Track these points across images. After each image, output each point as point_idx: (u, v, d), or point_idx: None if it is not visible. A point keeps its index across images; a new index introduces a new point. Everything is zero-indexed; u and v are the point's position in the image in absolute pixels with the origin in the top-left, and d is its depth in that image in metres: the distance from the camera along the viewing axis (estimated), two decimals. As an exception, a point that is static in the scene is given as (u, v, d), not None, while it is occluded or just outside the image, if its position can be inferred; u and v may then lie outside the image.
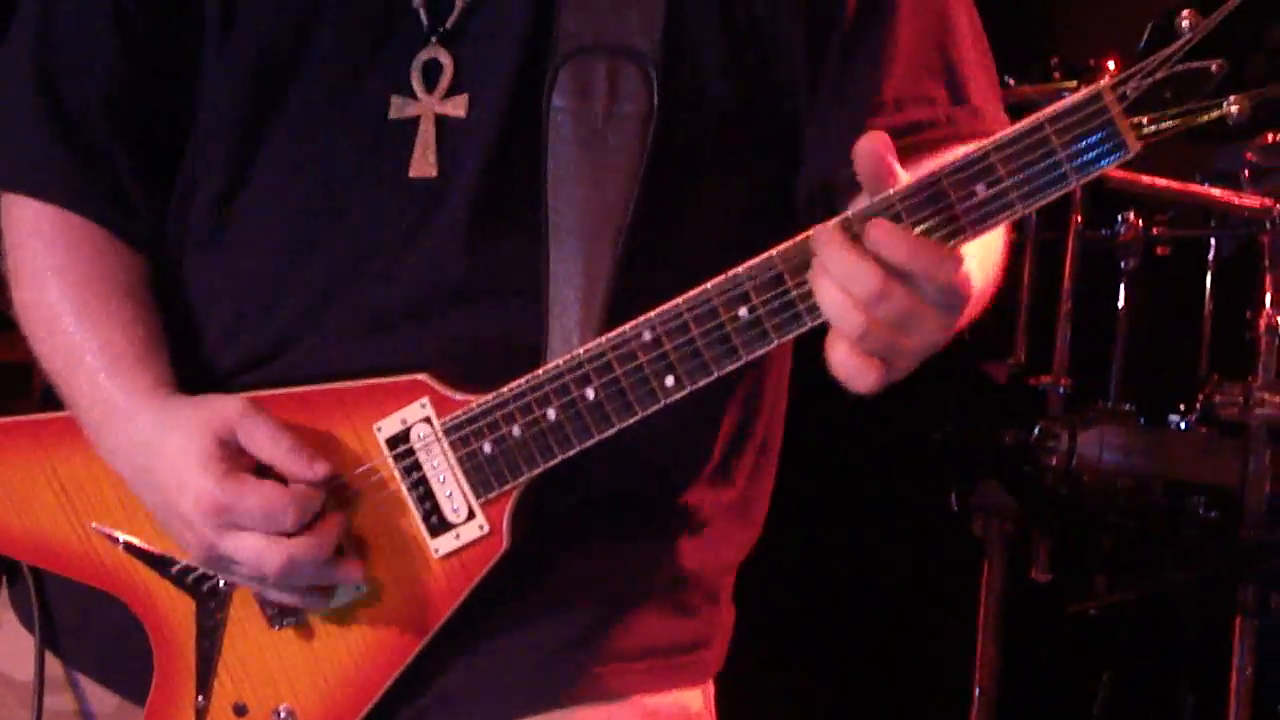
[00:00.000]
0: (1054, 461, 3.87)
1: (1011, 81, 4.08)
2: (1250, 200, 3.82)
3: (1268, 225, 3.79)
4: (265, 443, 2.05)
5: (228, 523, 2.03)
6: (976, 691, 3.95)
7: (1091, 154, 1.82)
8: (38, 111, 2.19)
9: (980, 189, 1.84)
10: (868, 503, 4.21)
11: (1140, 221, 3.98)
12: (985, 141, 1.84)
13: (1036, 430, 3.91)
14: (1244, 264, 3.92)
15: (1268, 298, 3.78)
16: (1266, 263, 3.80)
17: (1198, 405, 3.91)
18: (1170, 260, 4.06)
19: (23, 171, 2.22)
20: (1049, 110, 1.83)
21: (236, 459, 2.05)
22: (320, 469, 2.05)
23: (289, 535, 2.03)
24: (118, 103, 2.18)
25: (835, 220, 1.87)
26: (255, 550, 2.03)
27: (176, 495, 2.06)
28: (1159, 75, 1.77)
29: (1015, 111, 3.98)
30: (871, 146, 1.84)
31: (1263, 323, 3.76)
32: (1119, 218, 4.00)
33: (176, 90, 2.19)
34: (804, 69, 2.11)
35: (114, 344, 2.15)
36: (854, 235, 1.86)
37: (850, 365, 1.85)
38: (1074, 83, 4.04)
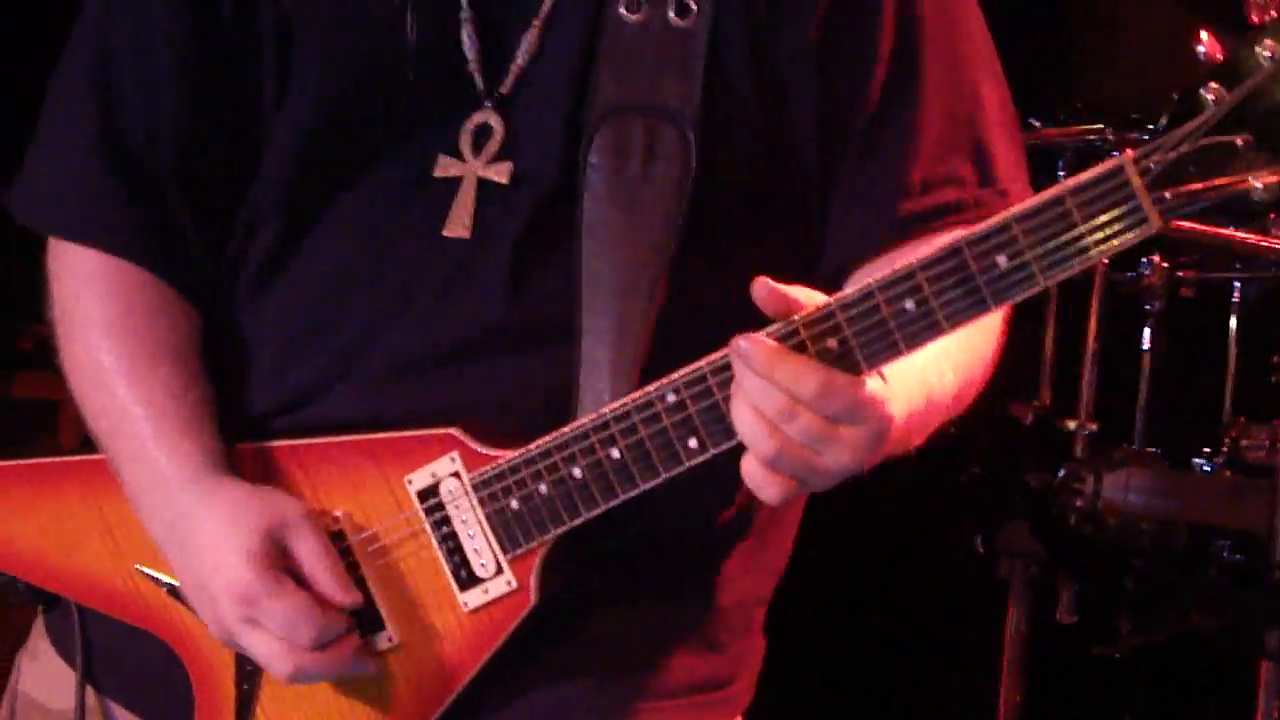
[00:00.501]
0: (1079, 504, 3.87)
1: (1036, 124, 4.09)
2: (1276, 242, 3.82)
3: (1293, 269, 3.79)
4: (311, 554, 2.07)
5: (251, 616, 2.05)
6: (1001, 733, 3.96)
7: (1114, 228, 1.81)
8: (101, 161, 2.19)
9: (1001, 260, 1.84)
10: (893, 543, 4.21)
11: (1165, 264, 3.98)
12: (1006, 213, 1.84)
13: (1062, 472, 3.91)
14: (1269, 306, 3.92)
15: (1293, 341, 3.79)
16: (1291, 306, 3.81)
17: (1223, 448, 3.91)
18: (1195, 303, 4.05)
19: (85, 221, 2.21)
20: (1070, 182, 1.81)
21: (279, 558, 2.07)
22: (353, 597, 2.06)
23: (304, 648, 2.05)
24: (180, 156, 2.19)
25: (755, 335, 1.89)
26: (268, 651, 2.06)
27: (210, 574, 2.08)
28: (1183, 149, 1.75)
29: (1039, 154, 4.02)
30: (763, 295, 1.87)
31: (1288, 365, 3.77)
32: (1144, 260, 3.99)
33: (236, 144, 2.20)
34: (817, 145, 2.12)
35: (164, 413, 2.15)
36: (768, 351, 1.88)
37: (756, 477, 1.89)
38: (1099, 124, 4.05)
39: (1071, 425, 4.03)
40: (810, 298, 1.90)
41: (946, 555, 4.20)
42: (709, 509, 2.18)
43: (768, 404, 1.86)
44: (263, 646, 2.06)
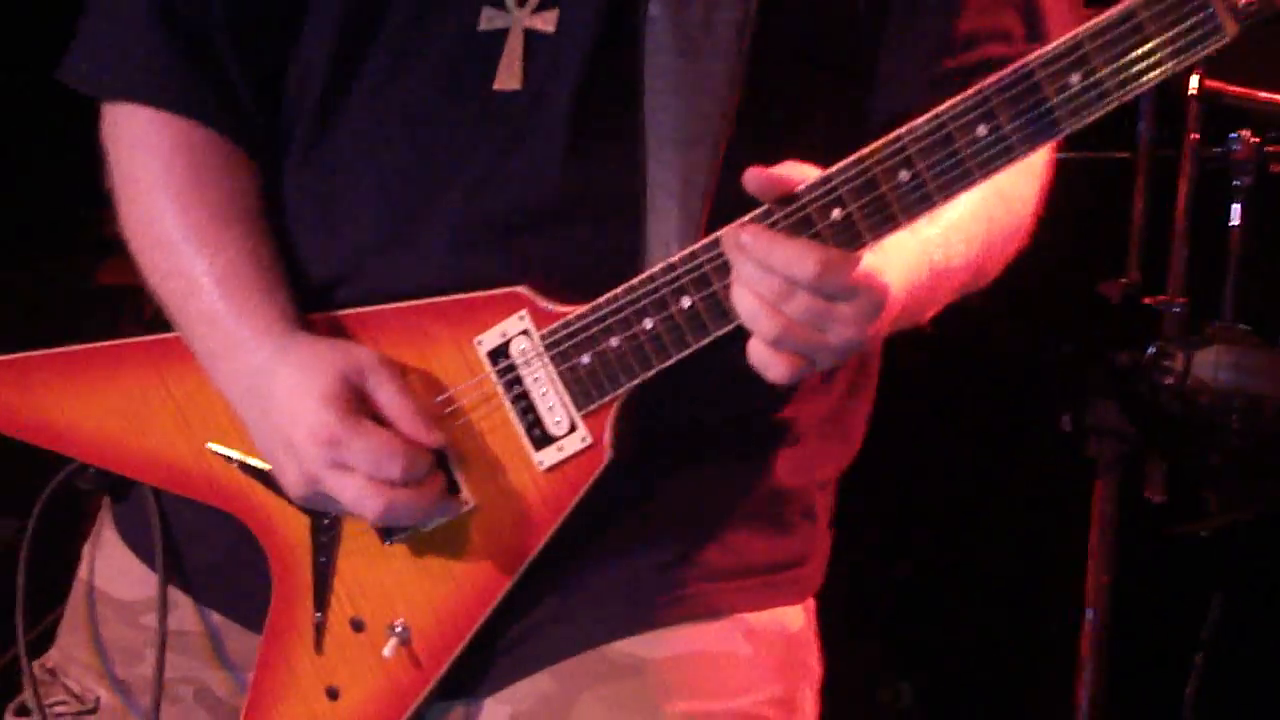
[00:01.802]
0: (1168, 381, 3.82)
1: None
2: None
3: (1386, 141, 3.72)
4: (391, 397, 2.08)
5: (336, 459, 2.06)
6: (1089, 613, 3.93)
7: (1188, 38, 1.79)
8: (154, 19, 2.19)
9: (1074, 78, 1.83)
10: (979, 423, 4.19)
11: (1255, 139, 3.91)
12: (1079, 29, 1.82)
13: (1151, 350, 3.87)
14: (1361, 180, 3.85)
15: (1387, 215, 3.72)
16: (1383, 178, 3.74)
17: (1315, 324, 3.86)
18: (1286, 177, 3.99)
19: (140, 79, 2.21)
20: None
21: (359, 402, 2.07)
22: (436, 437, 2.07)
23: (392, 484, 2.06)
24: (233, 14, 2.19)
25: (742, 221, 1.92)
26: (357, 491, 2.06)
27: (290, 425, 2.08)
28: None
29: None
30: (754, 183, 1.90)
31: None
32: (1232, 135, 3.93)
33: (287, 5, 2.19)
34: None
35: (238, 274, 2.16)
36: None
37: (761, 356, 1.92)
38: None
39: (1161, 301, 3.99)
40: (802, 172, 1.91)
41: (1035, 433, 4.18)
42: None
43: (765, 287, 1.89)
44: (351, 489, 2.06)
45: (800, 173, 1.93)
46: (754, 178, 1.91)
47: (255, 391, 2.13)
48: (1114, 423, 3.94)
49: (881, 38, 2.13)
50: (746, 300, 1.92)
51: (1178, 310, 3.97)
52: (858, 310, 1.91)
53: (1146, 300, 3.98)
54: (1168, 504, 3.99)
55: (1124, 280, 4.02)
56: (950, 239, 2.07)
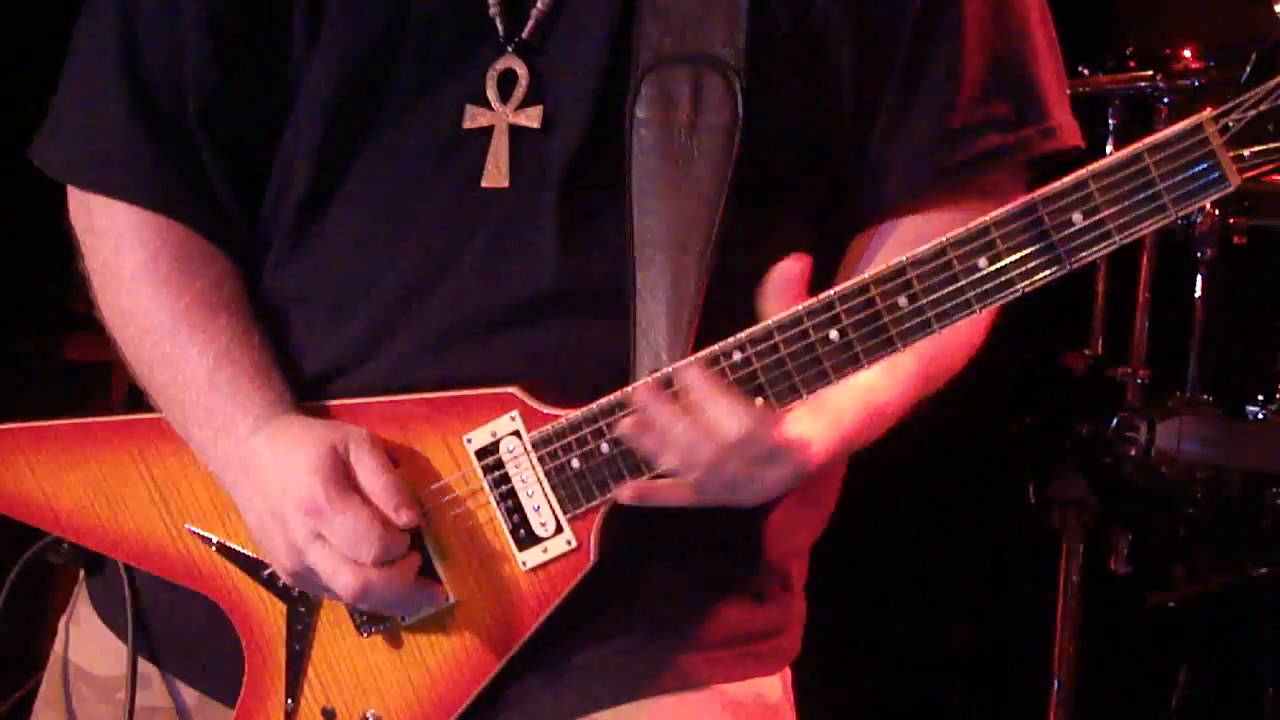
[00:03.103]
0: (1132, 452, 3.85)
1: (1084, 72, 4.06)
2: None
3: (1348, 215, 3.76)
4: (370, 472, 2.07)
5: (318, 530, 2.05)
6: (1055, 683, 3.94)
7: (1192, 185, 1.82)
8: (131, 114, 2.18)
9: (1077, 217, 1.85)
10: (945, 495, 4.21)
11: (1217, 211, 3.94)
12: (1083, 170, 1.85)
13: (1115, 421, 3.90)
14: (1323, 253, 3.89)
15: (1348, 287, 3.75)
16: (1345, 252, 3.78)
17: (1277, 395, 3.88)
18: (1247, 250, 4.02)
19: (119, 176, 2.20)
20: (1149, 140, 1.83)
21: (347, 475, 2.07)
22: (405, 517, 2.06)
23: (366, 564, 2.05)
24: (209, 108, 2.18)
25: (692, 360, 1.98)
26: (335, 567, 2.05)
27: (278, 495, 2.08)
28: (1263, 108, 1.76)
29: (1087, 102, 4.00)
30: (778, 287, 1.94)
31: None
32: (1196, 207, 3.96)
33: (265, 97, 2.19)
34: (853, 96, 2.11)
35: (230, 360, 2.15)
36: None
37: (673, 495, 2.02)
38: (1149, 72, 4.02)
39: (1124, 373, 4.01)
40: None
41: (999, 505, 4.20)
42: None
43: (700, 454, 1.96)
44: (329, 562, 2.05)
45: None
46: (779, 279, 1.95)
47: (248, 469, 2.12)
48: (1078, 494, 3.97)
49: (872, 136, 2.13)
50: (674, 460, 1.98)
51: (1141, 382, 4.00)
52: (780, 475, 1.99)
53: (1110, 372, 4.01)
54: (1133, 574, 4.02)
55: (1087, 352, 4.05)
56: (892, 373, 2.08)
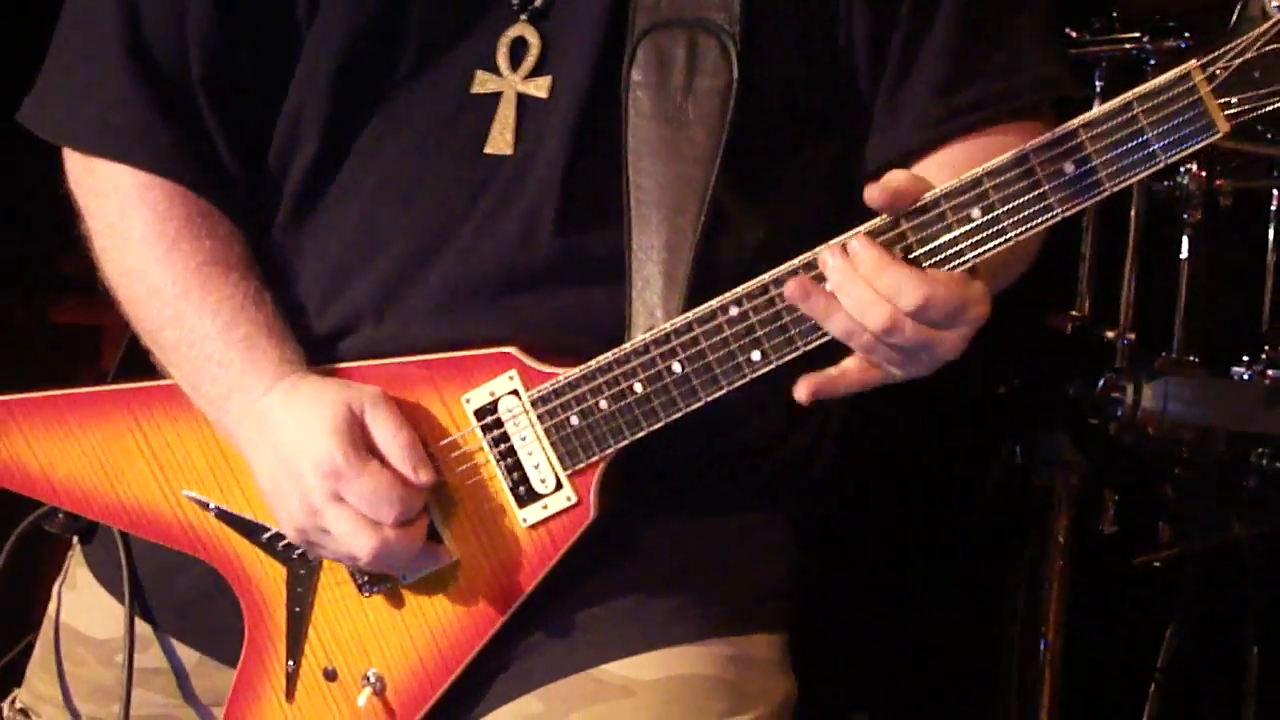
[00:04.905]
0: (1119, 413, 3.86)
1: (1072, 34, 4.07)
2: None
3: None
4: (387, 432, 2.08)
5: (337, 491, 2.06)
6: (1043, 642, 3.96)
7: (1181, 133, 1.85)
8: (133, 78, 2.18)
9: (1069, 167, 1.87)
10: (933, 456, 4.22)
11: (1203, 173, 3.96)
12: (1074, 120, 1.87)
13: (1101, 382, 3.91)
14: (1308, 214, 3.91)
15: (1333, 248, 3.78)
16: (1330, 214, 3.80)
17: (1262, 356, 3.90)
18: (1233, 212, 4.04)
19: (123, 140, 2.20)
20: (1138, 90, 1.85)
21: (363, 435, 2.08)
22: (424, 476, 2.08)
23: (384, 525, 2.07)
24: (213, 72, 2.18)
25: (849, 239, 1.93)
26: (354, 528, 2.06)
27: (295, 456, 2.09)
28: (1248, 56, 1.79)
29: (1075, 65, 4.00)
30: (881, 195, 1.91)
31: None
32: (1181, 169, 3.98)
33: (269, 61, 2.19)
34: (864, 50, 2.13)
35: (241, 319, 2.16)
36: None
37: (855, 375, 1.98)
38: (1135, 33, 4.04)
39: (1111, 335, 4.03)
40: (922, 182, 1.93)
41: (986, 466, 4.21)
42: (757, 425, 2.19)
43: (871, 319, 1.90)
44: (348, 524, 2.06)
45: (921, 183, 1.94)
46: (878, 190, 1.92)
47: (263, 427, 2.13)
48: (1065, 455, 3.99)
49: (876, 83, 2.15)
50: (845, 326, 1.94)
51: (1127, 343, 4.02)
52: (959, 336, 1.94)
53: (1097, 333, 4.02)
54: (1120, 534, 4.03)
55: (1074, 313, 4.07)
56: None
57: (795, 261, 1.96)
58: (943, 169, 2.02)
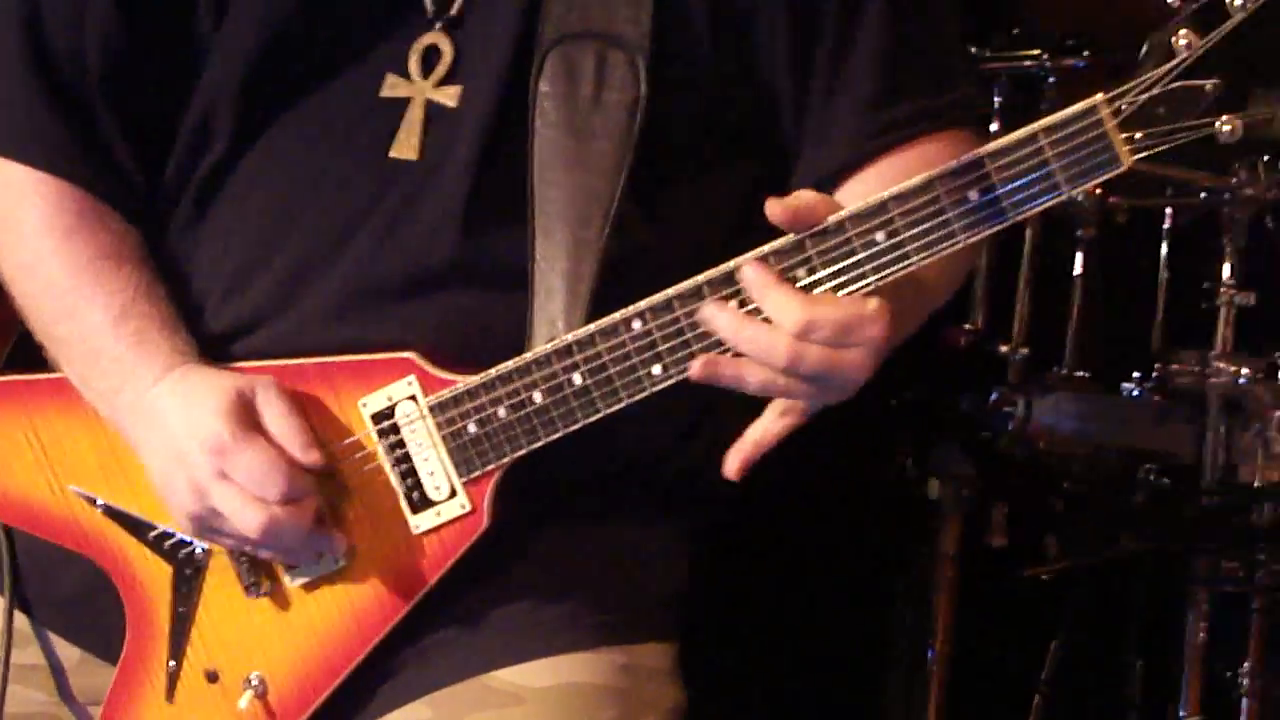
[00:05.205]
0: (1010, 427, 3.90)
1: (973, 50, 4.10)
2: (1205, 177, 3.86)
3: (1226, 196, 3.82)
4: (277, 414, 2.07)
5: (223, 469, 2.05)
6: (930, 653, 4.00)
7: (1084, 165, 1.87)
8: (30, 77, 2.16)
9: (973, 195, 1.89)
10: (826, 467, 4.23)
11: (1098, 190, 4.00)
12: (980, 149, 1.89)
13: (993, 396, 3.95)
14: (1201, 234, 3.95)
15: (1225, 268, 3.81)
16: (1224, 233, 3.83)
17: (1153, 374, 3.95)
18: (1127, 229, 4.08)
19: (17, 138, 2.19)
20: (1045, 121, 1.87)
21: (252, 417, 2.07)
22: (313, 456, 2.07)
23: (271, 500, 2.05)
24: (112, 75, 2.17)
25: (743, 262, 1.95)
26: (241, 504, 2.05)
27: (183, 436, 2.07)
28: (1154, 92, 1.81)
29: (976, 80, 4.02)
30: (782, 212, 1.92)
31: (1220, 293, 3.79)
32: (1087, 186, 4.01)
33: (170, 65, 2.18)
34: (787, 68, 2.14)
35: (133, 312, 2.15)
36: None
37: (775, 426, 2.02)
38: (1035, 50, 4.07)
39: (1004, 349, 4.06)
40: (829, 203, 1.94)
41: (879, 478, 4.23)
42: (652, 436, 2.19)
43: (775, 355, 1.92)
44: (234, 500, 2.05)
45: (830, 204, 1.95)
46: (780, 207, 1.92)
47: (152, 416, 2.12)
48: (957, 467, 4.02)
49: (801, 104, 2.15)
50: (756, 373, 1.95)
51: (1020, 357, 4.05)
52: (860, 355, 1.94)
53: (991, 347, 4.06)
54: (1009, 547, 4.07)
55: (968, 327, 4.10)
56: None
57: (700, 278, 1.96)
58: (880, 183, 2.03)
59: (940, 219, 1.90)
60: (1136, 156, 1.84)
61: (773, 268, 1.94)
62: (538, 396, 2.03)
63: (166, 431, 2.10)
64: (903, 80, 2.14)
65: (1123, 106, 1.82)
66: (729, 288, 1.96)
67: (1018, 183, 1.88)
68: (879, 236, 1.92)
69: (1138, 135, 1.83)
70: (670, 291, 1.97)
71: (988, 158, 1.89)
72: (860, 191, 2.06)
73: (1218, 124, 1.82)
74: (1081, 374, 4.05)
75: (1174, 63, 1.79)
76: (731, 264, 1.95)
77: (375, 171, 2.12)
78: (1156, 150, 1.82)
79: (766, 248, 1.95)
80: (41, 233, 2.17)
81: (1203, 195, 3.94)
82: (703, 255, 1.99)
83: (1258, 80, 1.79)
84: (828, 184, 2.13)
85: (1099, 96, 1.84)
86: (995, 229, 1.91)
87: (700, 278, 1.96)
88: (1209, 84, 1.81)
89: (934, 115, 2.14)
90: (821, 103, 2.14)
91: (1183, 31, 1.78)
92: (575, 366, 2.01)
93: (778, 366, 1.93)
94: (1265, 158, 3.45)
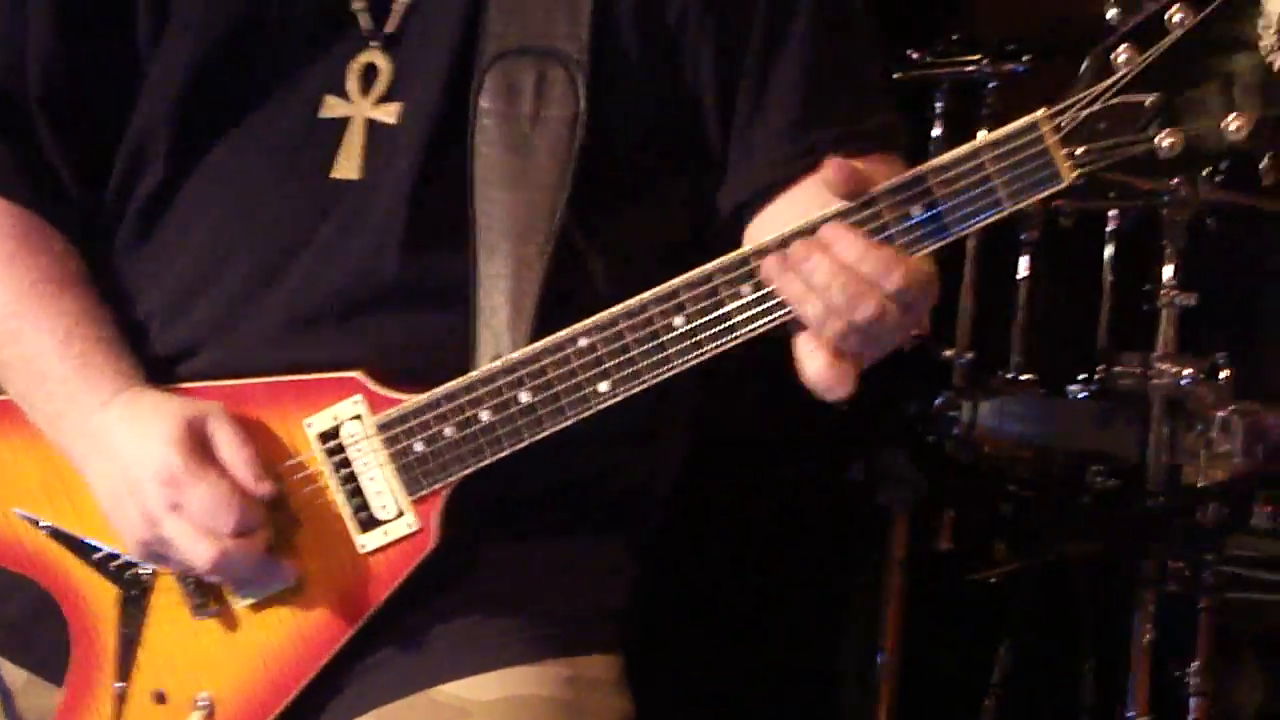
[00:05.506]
0: (956, 431, 3.91)
1: (914, 56, 4.12)
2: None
3: (1166, 199, 3.83)
4: (230, 445, 2.07)
5: (176, 501, 2.04)
6: (880, 657, 4.00)
7: (1026, 182, 1.88)
8: None
9: (916, 210, 1.90)
10: (771, 473, 4.24)
11: (1043, 193, 4.00)
12: (923, 165, 1.90)
13: (939, 400, 3.95)
14: (1144, 236, 3.96)
15: (1167, 270, 3.83)
16: (1166, 236, 3.85)
17: (1098, 376, 3.96)
18: (1071, 232, 4.10)
19: None
20: (987, 138, 1.88)
21: (203, 447, 2.06)
22: (265, 488, 2.06)
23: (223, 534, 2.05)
24: (51, 95, 2.17)
25: (788, 233, 1.93)
26: (193, 538, 2.05)
27: (134, 467, 2.07)
28: (1095, 108, 1.82)
29: (916, 86, 4.05)
30: (838, 170, 1.91)
31: (1162, 294, 3.81)
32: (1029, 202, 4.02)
33: (110, 85, 2.18)
34: (714, 87, 2.15)
35: (77, 335, 2.14)
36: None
37: (831, 373, 1.96)
38: (976, 55, 4.08)
39: (949, 353, 4.07)
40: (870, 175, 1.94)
41: (825, 483, 4.24)
42: (598, 452, 2.18)
43: (837, 295, 1.90)
44: (186, 534, 2.05)
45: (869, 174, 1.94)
46: (838, 169, 1.91)
47: (100, 442, 2.11)
48: (903, 472, 4.03)
49: (726, 126, 2.16)
50: (817, 310, 1.92)
51: (965, 361, 4.06)
52: (918, 314, 1.97)
53: (935, 351, 4.06)
54: (956, 551, 4.08)
55: (915, 332, 4.10)
56: None
57: (663, 287, 1.97)
58: (809, 204, 2.03)
59: (883, 235, 1.92)
60: (1077, 173, 1.85)
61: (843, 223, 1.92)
62: (484, 415, 2.03)
63: (117, 459, 2.09)
64: (826, 103, 2.15)
65: (1063, 123, 1.84)
66: (671, 301, 1.97)
67: (960, 198, 1.90)
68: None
69: (1079, 150, 1.85)
70: (616, 309, 1.98)
71: (930, 174, 1.90)
72: (787, 211, 2.07)
73: (1158, 139, 1.83)
74: (1026, 377, 4.06)
75: (1114, 78, 1.81)
76: (650, 293, 1.97)
77: (316, 193, 2.12)
78: (1097, 166, 1.82)
79: (647, 294, 1.97)
80: None
81: (1146, 197, 3.95)
82: (645, 271, 2.00)
83: (1196, 94, 1.80)
84: (755, 203, 2.15)
85: (1040, 113, 1.85)
86: (937, 245, 1.92)
87: (646, 294, 1.97)
88: (1149, 99, 1.82)
89: (859, 138, 2.14)
90: (746, 122, 2.15)
91: (1123, 46, 1.79)
92: (521, 384, 2.01)
93: (839, 307, 1.91)
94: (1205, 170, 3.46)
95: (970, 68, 4.06)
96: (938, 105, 4.11)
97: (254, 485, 2.06)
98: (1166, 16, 1.79)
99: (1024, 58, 4.00)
